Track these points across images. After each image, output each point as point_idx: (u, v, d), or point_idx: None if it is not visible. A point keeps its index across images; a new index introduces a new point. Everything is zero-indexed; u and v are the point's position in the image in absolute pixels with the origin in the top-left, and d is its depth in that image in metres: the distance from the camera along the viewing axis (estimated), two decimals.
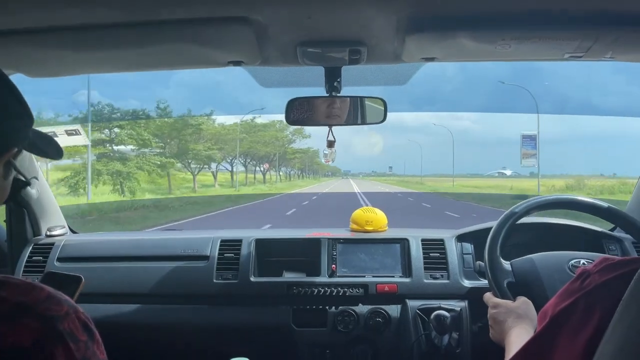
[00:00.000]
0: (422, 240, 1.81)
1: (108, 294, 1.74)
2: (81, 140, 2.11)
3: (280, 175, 50.21)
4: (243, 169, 38.06)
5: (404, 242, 1.81)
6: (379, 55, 1.30)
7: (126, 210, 16.97)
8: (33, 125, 0.78)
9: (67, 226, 2.02)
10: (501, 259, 1.39)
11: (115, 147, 23.53)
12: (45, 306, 0.67)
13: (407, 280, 1.73)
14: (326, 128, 1.47)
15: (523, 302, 1.27)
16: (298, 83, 1.59)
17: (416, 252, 1.78)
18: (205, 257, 1.79)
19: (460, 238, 1.82)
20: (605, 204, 1.38)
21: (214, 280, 1.75)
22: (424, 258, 1.76)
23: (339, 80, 1.38)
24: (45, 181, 1.95)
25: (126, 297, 1.75)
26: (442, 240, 1.81)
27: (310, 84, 1.51)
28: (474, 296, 1.62)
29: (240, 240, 1.83)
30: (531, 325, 1.19)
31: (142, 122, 24.13)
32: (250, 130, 35.34)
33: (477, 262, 1.70)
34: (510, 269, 1.39)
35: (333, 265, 1.76)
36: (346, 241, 1.83)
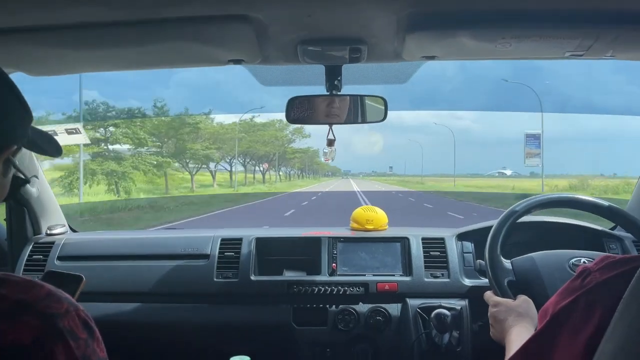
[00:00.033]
0: (423, 238, 1.81)
1: (108, 292, 1.74)
2: (82, 139, 2.11)
3: (280, 175, 50.06)
4: (242, 168, 37.94)
5: (404, 241, 1.81)
6: (380, 53, 1.30)
7: (119, 210, 16.57)
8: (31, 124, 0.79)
9: (67, 225, 2.02)
10: (502, 258, 1.39)
11: (110, 147, 23.21)
12: (46, 304, 0.67)
13: (407, 279, 1.73)
14: (326, 127, 1.47)
15: (523, 301, 1.27)
16: (298, 81, 1.58)
17: (416, 250, 1.78)
18: (206, 256, 1.79)
19: (461, 237, 1.82)
20: (605, 203, 1.38)
21: (215, 279, 1.75)
22: (425, 257, 1.76)
23: (339, 78, 1.37)
24: (45, 180, 1.95)
25: (126, 295, 1.75)
26: (442, 238, 1.81)
27: (310, 82, 1.51)
28: (475, 295, 1.62)
29: (240, 239, 1.83)
30: (531, 324, 1.19)
31: (138, 121, 23.76)
32: (249, 130, 35.04)
33: (478, 260, 1.70)
34: (510, 267, 1.39)
35: (333, 264, 1.76)
36: (346, 240, 1.83)
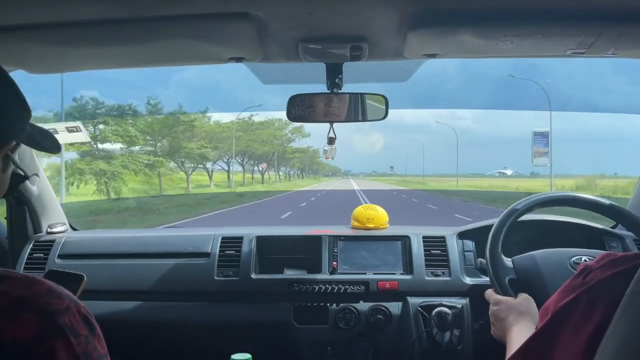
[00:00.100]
0: (423, 237, 1.81)
1: (109, 291, 1.74)
2: (82, 137, 2.11)
3: (279, 175, 49.69)
4: (241, 168, 37.23)
5: (405, 239, 1.81)
6: (381, 51, 1.30)
7: (105, 213, 15.34)
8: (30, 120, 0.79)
9: (67, 223, 2.02)
10: (503, 256, 1.39)
11: (100, 145, 22.07)
12: (46, 300, 0.67)
13: (408, 277, 1.73)
14: (326, 126, 1.46)
15: (524, 299, 1.27)
16: (299, 79, 1.58)
17: (417, 249, 1.78)
18: (206, 254, 1.79)
19: (462, 235, 1.82)
20: (606, 201, 1.38)
21: (215, 278, 1.75)
22: (425, 255, 1.76)
23: (340, 76, 1.37)
24: (46, 178, 1.95)
25: (127, 294, 1.75)
26: (443, 237, 1.81)
27: (311, 80, 1.50)
28: (476, 293, 1.62)
29: (241, 238, 1.83)
30: (532, 322, 1.19)
31: (130, 118, 22.81)
32: (247, 129, 34.31)
33: (479, 259, 1.70)
34: (511, 265, 1.39)
35: (334, 263, 1.76)
36: (347, 238, 1.83)
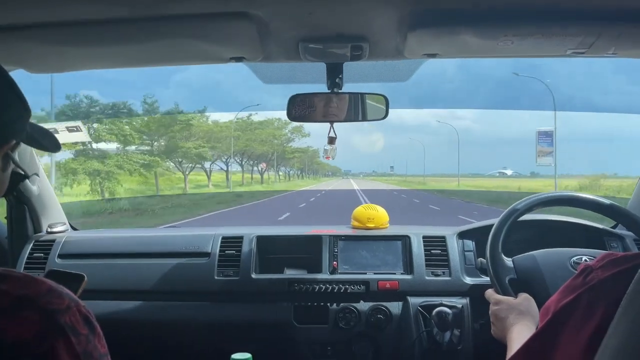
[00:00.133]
0: (424, 237, 1.81)
1: (109, 290, 1.74)
2: (82, 136, 2.11)
3: (279, 175, 49.42)
4: (240, 168, 36.57)
5: (405, 239, 1.81)
6: (381, 51, 1.30)
7: (97, 214, 14.75)
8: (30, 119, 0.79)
9: (67, 223, 2.02)
10: (503, 256, 1.39)
11: (95, 145, 20.82)
12: (47, 299, 0.67)
13: (408, 277, 1.73)
14: (327, 126, 1.47)
15: (525, 299, 1.27)
16: (299, 79, 1.58)
17: (417, 249, 1.78)
18: (207, 254, 1.79)
19: (462, 235, 1.82)
20: (607, 201, 1.38)
21: (215, 277, 1.75)
22: (426, 255, 1.76)
23: (340, 76, 1.37)
24: (46, 178, 1.95)
25: (127, 293, 1.75)
26: (443, 237, 1.81)
27: (311, 80, 1.50)
28: (476, 293, 1.62)
29: (241, 237, 1.83)
30: (533, 322, 1.19)
31: (125, 118, 21.87)
32: (246, 128, 33.69)
33: (479, 259, 1.70)
34: (512, 265, 1.39)
35: (334, 262, 1.76)
36: (347, 238, 1.83)
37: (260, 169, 40.11)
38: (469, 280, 1.71)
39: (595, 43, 1.16)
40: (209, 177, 31.08)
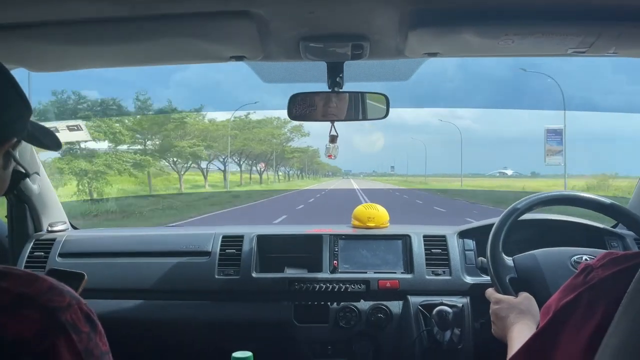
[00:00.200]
0: (424, 236, 1.81)
1: (109, 289, 1.74)
2: (83, 135, 2.11)
3: (278, 175, 48.90)
4: (238, 168, 35.64)
5: (405, 238, 1.81)
6: (382, 50, 1.30)
7: (79, 217, 13.85)
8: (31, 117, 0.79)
9: (68, 222, 2.02)
10: (503, 255, 1.39)
11: (83, 143, 19.13)
12: (48, 297, 0.67)
13: (409, 276, 1.73)
14: (327, 125, 1.47)
15: (525, 298, 1.27)
16: (300, 78, 1.58)
17: (418, 248, 1.78)
18: (207, 253, 1.79)
19: (462, 234, 1.82)
20: (608, 201, 1.38)
21: (216, 276, 1.75)
22: (426, 254, 1.76)
23: (341, 75, 1.37)
24: (47, 176, 1.95)
25: (128, 292, 1.75)
26: (444, 236, 1.81)
27: (312, 79, 1.50)
28: (476, 292, 1.62)
29: (241, 236, 1.83)
30: (533, 321, 1.19)
31: (114, 114, 20.80)
32: (243, 127, 32.79)
33: (479, 258, 1.70)
34: (512, 264, 1.39)
35: (335, 262, 1.76)
36: (348, 237, 1.83)
37: (259, 169, 39.56)
38: (469, 279, 1.71)
39: (595, 42, 1.16)
40: (205, 177, 30.34)
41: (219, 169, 32.34)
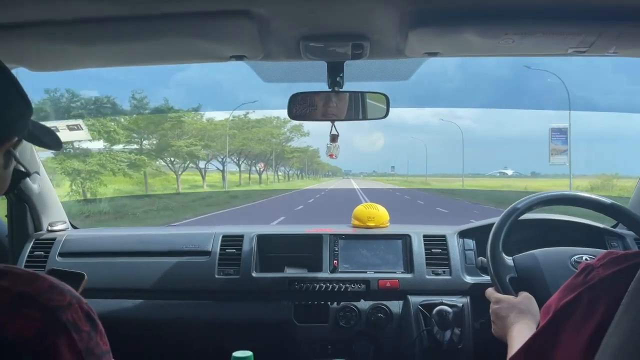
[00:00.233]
0: (424, 236, 1.81)
1: (109, 289, 1.74)
2: (83, 135, 2.11)
3: (278, 175, 48.50)
4: (237, 168, 35.27)
5: (405, 238, 1.81)
6: (382, 50, 1.30)
7: (69, 218, 12.95)
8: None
9: (68, 221, 2.02)
10: (503, 255, 1.39)
11: (77, 143, 18.38)
12: (48, 296, 0.67)
13: (409, 276, 1.73)
14: (326, 125, 1.47)
15: (525, 298, 1.27)
16: (300, 78, 1.58)
17: (418, 248, 1.78)
18: (207, 253, 1.79)
19: (462, 234, 1.82)
20: (608, 200, 1.38)
21: (216, 276, 1.75)
22: (426, 254, 1.76)
23: (341, 75, 1.37)
24: (47, 176, 1.95)
25: (128, 292, 1.75)
26: (444, 236, 1.81)
27: (312, 79, 1.50)
28: (476, 292, 1.62)
29: (241, 236, 1.83)
30: (533, 321, 1.19)
31: (109, 113, 20.13)
32: (242, 127, 32.42)
33: (479, 258, 1.70)
34: (512, 264, 1.39)
35: (335, 261, 1.76)
36: (348, 237, 1.83)
37: (258, 168, 39.19)
38: (469, 279, 1.71)
39: (595, 42, 1.16)
40: (203, 177, 30.00)
41: (218, 169, 32.15)
